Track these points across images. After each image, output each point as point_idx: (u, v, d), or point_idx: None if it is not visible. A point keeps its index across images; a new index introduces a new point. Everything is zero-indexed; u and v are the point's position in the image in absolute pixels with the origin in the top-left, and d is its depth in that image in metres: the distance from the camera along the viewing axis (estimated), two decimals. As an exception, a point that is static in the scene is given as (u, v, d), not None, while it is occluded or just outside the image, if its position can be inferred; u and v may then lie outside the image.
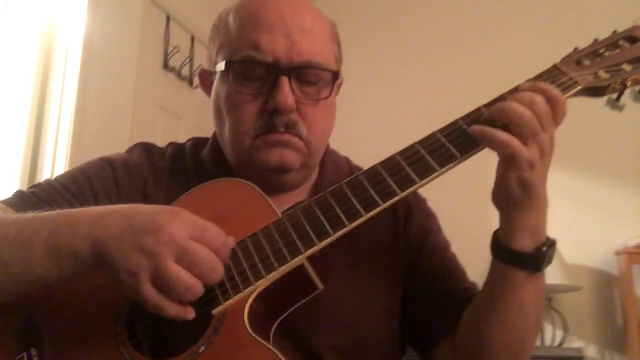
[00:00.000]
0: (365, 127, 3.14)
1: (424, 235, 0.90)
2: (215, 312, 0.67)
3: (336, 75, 0.84)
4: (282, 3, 0.82)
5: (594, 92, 0.74)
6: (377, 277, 0.86)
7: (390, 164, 0.71)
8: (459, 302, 0.83)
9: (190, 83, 2.99)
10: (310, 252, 0.68)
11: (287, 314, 0.72)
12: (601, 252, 2.79)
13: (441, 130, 0.72)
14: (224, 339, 0.66)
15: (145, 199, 0.85)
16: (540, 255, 0.70)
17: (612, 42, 0.78)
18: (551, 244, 0.71)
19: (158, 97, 2.77)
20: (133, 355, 0.68)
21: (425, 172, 0.69)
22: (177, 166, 0.90)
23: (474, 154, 0.70)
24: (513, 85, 0.74)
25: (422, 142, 0.72)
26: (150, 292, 0.60)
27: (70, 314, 0.72)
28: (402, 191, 0.69)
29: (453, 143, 0.70)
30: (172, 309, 0.62)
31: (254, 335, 0.65)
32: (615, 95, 0.75)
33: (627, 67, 0.74)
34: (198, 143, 0.95)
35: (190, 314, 0.63)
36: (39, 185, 0.85)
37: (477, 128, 0.69)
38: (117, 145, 1.19)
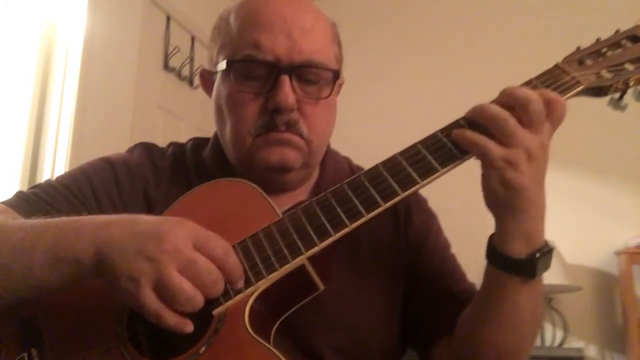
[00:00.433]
0: (365, 127, 3.14)
1: (424, 235, 0.90)
2: (215, 312, 0.66)
3: (336, 74, 0.84)
4: (282, 3, 0.82)
5: (596, 91, 0.74)
6: (377, 277, 0.86)
7: (391, 164, 0.71)
8: (457, 303, 0.83)
9: (191, 83, 2.99)
10: (310, 252, 0.68)
11: (287, 314, 0.71)
12: (601, 252, 2.79)
13: (442, 130, 0.71)
14: (224, 339, 0.66)
15: (146, 199, 0.85)
16: (533, 262, 0.68)
17: (615, 42, 0.77)
18: (546, 251, 0.69)
19: (158, 97, 2.77)
20: (133, 355, 0.68)
21: (427, 172, 0.69)
22: (177, 166, 0.90)
23: (475, 153, 0.69)
24: (515, 84, 0.73)
25: (423, 141, 0.71)
26: (150, 299, 0.60)
27: (71, 314, 0.72)
28: (403, 191, 0.69)
29: (454, 143, 0.69)
30: (171, 318, 0.61)
31: (254, 335, 0.65)
32: (617, 95, 0.75)
33: (630, 67, 0.74)
34: (199, 143, 0.95)
35: (189, 327, 0.62)
36: (39, 186, 0.84)
37: (455, 131, 0.69)
38: (117, 145, 1.19)
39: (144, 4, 2.64)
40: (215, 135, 0.91)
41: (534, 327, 0.77)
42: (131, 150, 0.93)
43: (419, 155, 0.70)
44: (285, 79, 0.78)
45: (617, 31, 0.79)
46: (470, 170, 0.70)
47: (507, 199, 0.67)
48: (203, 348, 0.66)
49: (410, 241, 0.89)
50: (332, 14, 0.89)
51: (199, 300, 0.61)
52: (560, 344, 2.72)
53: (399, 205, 0.86)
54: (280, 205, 0.75)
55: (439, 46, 3.27)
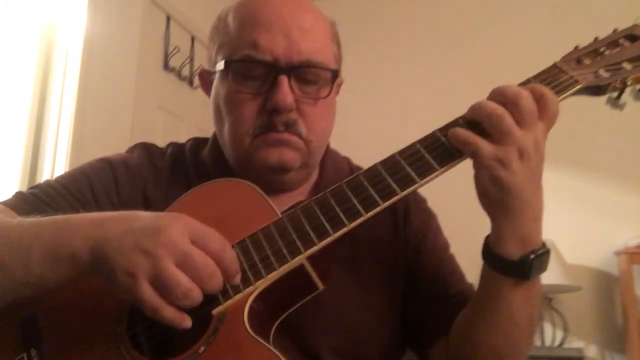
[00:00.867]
0: (365, 127, 3.14)
1: (422, 235, 0.90)
2: (214, 312, 0.67)
3: (335, 74, 0.84)
4: (281, 2, 0.82)
5: (594, 90, 0.74)
6: (376, 277, 0.86)
7: (390, 163, 0.71)
8: (455, 304, 0.83)
9: (190, 83, 2.99)
10: (310, 251, 0.68)
11: (287, 313, 0.71)
12: (601, 252, 2.78)
13: (441, 129, 0.71)
14: (223, 339, 0.66)
15: (145, 199, 0.85)
16: (527, 263, 0.68)
17: (613, 41, 0.77)
18: (542, 252, 0.69)
19: (158, 97, 2.77)
20: (133, 355, 0.68)
21: (425, 171, 0.69)
22: (177, 166, 0.90)
23: (474, 153, 0.69)
24: (513, 83, 0.73)
25: (422, 141, 0.71)
26: (147, 293, 0.60)
27: (70, 314, 0.72)
28: (402, 190, 0.69)
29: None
30: (169, 312, 0.61)
31: (253, 335, 0.65)
32: (615, 94, 0.75)
33: (628, 66, 0.74)
34: (198, 143, 0.95)
35: (187, 322, 0.62)
36: (38, 186, 0.85)
37: (450, 131, 0.69)
38: (117, 145, 1.19)
39: (144, 4, 2.64)
40: (214, 135, 0.91)
41: (531, 330, 0.76)
42: (130, 150, 0.93)
43: (418, 155, 0.70)
44: (284, 79, 0.78)
45: (615, 30, 0.79)
46: (469, 170, 0.70)
47: (500, 198, 0.67)
48: (202, 348, 0.66)
49: (409, 241, 0.89)
50: (332, 13, 0.90)
51: (196, 294, 0.61)
52: (560, 344, 2.72)
53: (398, 205, 0.87)
54: (280, 205, 0.75)
55: (439, 46, 3.27)
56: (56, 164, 2.24)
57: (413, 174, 0.69)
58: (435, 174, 0.69)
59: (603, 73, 0.74)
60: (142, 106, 2.61)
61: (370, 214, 0.68)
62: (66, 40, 2.34)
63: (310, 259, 0.69)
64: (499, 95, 0.67)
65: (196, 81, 2.89)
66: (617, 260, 2.72)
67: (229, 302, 0.67)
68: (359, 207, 0.69)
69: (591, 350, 2.73)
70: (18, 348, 0.70)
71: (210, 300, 0.66)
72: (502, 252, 0.69)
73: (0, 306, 0.67)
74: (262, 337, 0.66)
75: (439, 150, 0.70)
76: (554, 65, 0.75)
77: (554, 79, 0.73)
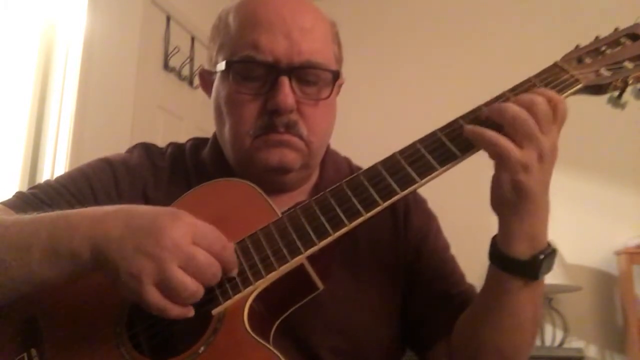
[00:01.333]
0: (365, 127, 3.14)
1: (423, 236, 0.90)
2: (214, 312, 0.66)
3: (336, 75, 0.83)
4: (281, 3, 0.82)
5: (595, 89, 0.74)
6: (376, 277, 0.86)
7: (390, 163, 0.71)
8: (456, 304, 0.83)
9: (190, 83, 2.99)
10: (309, 251, 0.68)
11: (287, 314, 0.71)
12: (601, 252, 2.78)
13: (441, 129, 0.71)
14: (223, 339, 0.66)
15: (145, 199, 0.85)
16: (537, 263, 0.68)
17: (614, 40, 0.77)
18: (550, 252, 0.69)
19: (158, 97, 2.77)
20: (133, 355, 0.68)
21: (426, 171, 0.69)
22: (177, 166, 0.90)
23: (474, 152, 0.69)
24: (514, 83, 0.73)
25: (422, 140, 0.71)
26: (154, 296, 0.60)
27: (70, 314, 0.72)
28: (402, 190, 0.68)
29: (453, 142, 0.69)
30: (175, 311, 0.62)
31: (253, 335, 0.65)
32: (616, 93, 0.75)
33: (629, 65, 0.74)
34: (198, 143, 0.95)
35: (190, 312, 0.63)
36: (38, 186, 0.85)
37: (469, 127, 0.68)
38: (117, 145, 1.19)
39: (144, 4, 2.64)
40: (215, 135, 0.91)
41: (535, 329, 0.77)
42: (130, 150, 0.93)
43: (418, 154, 0.70)
44: (285, 80, 0.78)
45: (616, 29, 0.79)
46: (469, 170, 0.70)
47: (515, 201, 0.67)
48: (202, 348, 0.66)
49: (410, 242, 0.89)
50: (332, 14, 0.89)
51: (201, 293, 0.63)
52: (560, 344, 2.72)
53: (398, 205, 0.87)
54: (280, 205, 0.75)
55: (439, 46, 3.27)
56: (56, 164, 2.24)
57: (413, 174, 0.69)
58: (436, 173, 0.69)
59: (604, 72, 0.74)
60: (142, 106, 2.61)
61: (370, 213, 0.68)
62: (66, 40, 2.34)
63: (310, 259, 0.69)
64: (514, 101, 0.67)
65: (196, 81, 2.89)
66: (617, 260, 2.72)
67: (229, 302, 0.67)
68: (359, 207, 0.69)
69: (591, 350, 2.73)
70: (18, 348, 0.70)
71: (210, 300, 0.66)
72: (512, 252, 0.69)
73: (1, 305, 0.67)
74: (262, 337, 0.66)
75: (439, 150, 0.69)
76: (555, 65, 0.75)
77: (555, 78, 0.73)
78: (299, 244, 0.68)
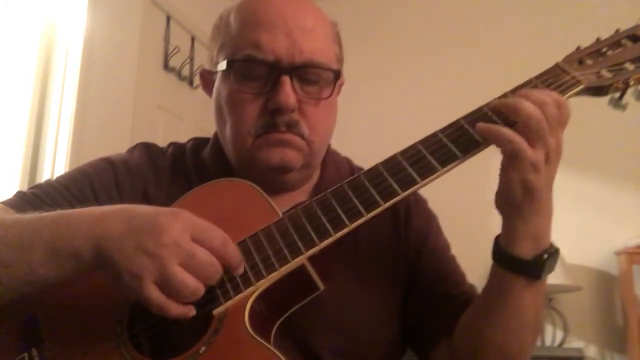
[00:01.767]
0: (365, 127, 3.14)
1: (423, 236, 0.90)
2: (215, 312, 0.67)
3: (337, 75, 0.83)
4: (283, 2, 0.82)
5: (596, 91, 0.74)
6: (377, 278, 0.86)
7: (391, 164, 0.71)
8: (457, 305, 0.83)
9: (191, 83, 2.99)
10: (310, 252, 0.68)
11: (287, 314, 0.71)
12: (601, 252, 2.78)
13: (442, 130, 0.71)
14: (224, 339, 0.66)
15: (146, 199, 0.85)
16: (541, 263, 0.69)
17: (615, 41, 0.77)
18: (553, 252, 0.70)
19: (158, 97, 2.77)
20: (133, 355, 0.68)
21: (427, 171, 0.69)
22: (177, 166, 0.90)
23: (475, 153, 0.69)
24: (515, 84, 0.73)
25: (423, 141, 0.71)
26: (154, 294, 0.60)
27: (71, 314, 0.72)
28: (403, 191, 0.69)
29: (454, 142, 0.69)
30: (176, 310, 0.62)
31: (254, 335, 0.65)
32: (617, 94, 0.75)
33: (630, 66, 0.74)
34: (199, 143, 0.95)
35: (192, 311, 0.63)
36: (39, 186, 0.85)
37: (482, 125, 0.68)
38: (117, 145, 1.19)
39: (144, 4, 2.64)
40: (215, 135, 0.91)
41: (537, 328, 0.77)
42: (131, 150, 0.93)
43: (419, 155, 0.70)
44: (286, 79, 0.78)
45: (617, 31, 0.79)
46: (470, 171, 0.70)
47: (521, 200, 0.67)
48: (203, 348, 0.66)
49: (410, 242, 0.89)
50: (333, 13, 0.89)
51: (202, 291, 0.63)
52: (560, 344, 2.72)
53: (399, 205, 0.87)
54: (281, 205, 0.75)
55: (440, 46, 3.27)
56: (56, 164, 2.24)
57: (414, 175, 0.69)
58: (437, 174, 0.69)
59: (605, 73, 0.74)
60: (142, 106, 2.60)
61: (371, 214, 0.68)
62: (66, 40, 2.33)
63: (311, 259, 0.69)
64: (528, 98, 0.67)
65: (196, 81, 2.89)
66: (617, 260, 2.72)
67: (230, 302, 0.67)
68: (360, 207, 0.69)
69: (591, 350, 2.74)
70: (19, 348, 0.70)
71: (211, 300, 0.66)
72: (516, 252, 0.69)
73: (1, 304, 0.67)
74: (263, 337, 0.66)
75: (440, 151, 0.70)
76: (556, 66, 0.75)
77: (556, 79, 0.73)
78: (300, 244, 0.68)
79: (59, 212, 0.68)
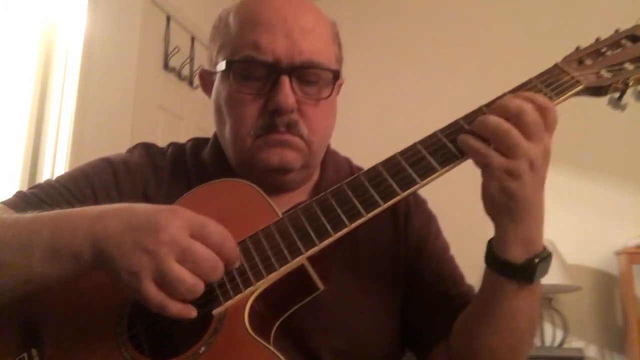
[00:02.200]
0: (365, 127, 3.14)
1: (423, 237, 0.90)
2: (215, 312, 0.67)
3: (337, 75, 0.83)
4: (282, 3, 0.82)
5: (596, 91, 0.74)
6: (377, 278, 0.86)
7: (391, 164, 0.71)
8: (456, 305, 0.83)
9: (190, 83, 2.99)
10: (310, 252, 0.68)
11: (287, 314, 0.71)
12: (601, 252, 2.78)
13: (442, 130, 0.71)
14: (224, 339, 0.66)
15: (146, 199, 0.85)
16: (532, 267, 0.69)
17: (614, 41, 0.77)
18: (545, 256, 0.70)
19: (158, 97, 2.77)
20: (133, 355, 0.68)
21: (426, 172, 0.69)
22: (177, 166, 0.90)
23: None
24: (514, 84, 0.73)
25: (423, 141, 0.71)
26: (152, 292, 0.60)
27: (71, 314, 0.72)
28: (403, 191, 0.69)
29: (454, 143, 0.69)
30: (175, 308, 0.62)
31: (254, 335, 0.65)
32: (617, 95, 0.75)
33: (629, 66, 0.74)
34: (198, 143, 0.95)
35: (193, 312, 0.63)
36: (39, 186, 0.85)
37: (460, 137, 0.69)
38: (117, 145, 1.19)
39: (144, 4, 2.64)
40: (215, 135, 0.91)
41: (531, 332, 0.77)
42: (131, 150, 0.93)
43: (419, 155, 0.70)
44: (285, 79, 0.78)
45: (616, 31, 0.79)
46: (470, 171, 0.70)
47: (507, 207, 0.67)
48: (203, 348, 0.66)
49: (410, 243, 0.89)
50: (332, 13, 0.89)
51: (200, 288, 0.62)
52: (560, 344, 2.72)
53: (398, 206, 0.87)
54: (280, 205, 0.75)
55: (439, 46, 3.27)
56: (56, 164, 2.24)
57: (414, 175, 0.69)
58: (436, 174, 0.69)
59: (605, 74, 0.74)
60: (142, 106, 2.60)
61: (371, 214, 0.68)
62: (66, 40, 2.33)
63: (311, 259, 0.69)
64: (502, 110, 0.67)
65: (196, 81, 2.89)
66: (617, 260, 2.72)
67: (230, 302, 0.67)
68: (359, 207, 0.69)
69: (591, 350, 2.73)
70: (19, 348, 0.70)
71: (211, 300, 0.67)
72: (507, 256, 0.69)
73: (1, 304, 0.67)
74: (263, 337, 0.66)
75: (440, 151, 0.70)
76: (556, 66, 0.75)
77: (555, 79, 0.73)
78: (299, 244, 0.68)
79: (58, 211, 0.68)
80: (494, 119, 0.66)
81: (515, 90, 0.72)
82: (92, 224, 0.64)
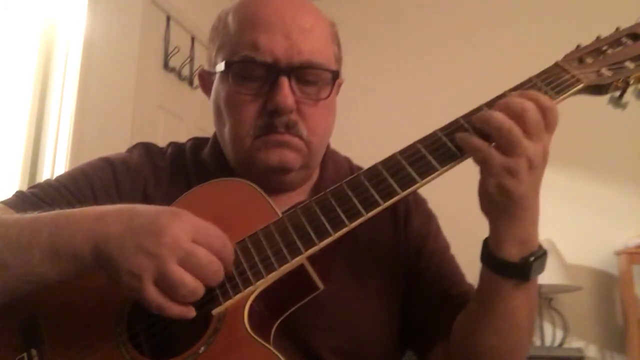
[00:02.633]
0: (365, 127, 3.14)
1: (423, 237, 0.90)
2: (215, 312, 0.66)
3: (336, 75, 0.83)
4: (281, 3, 0.82)
5: (596, 90, 0.74)
6: (377, 277, 0.86)
7: (391, 163, 0.71)
8: (456, 305, 0.83)
9: (190, 83, 2.99)
10: (310, 251, 0.68)
11: (287, 314, 0.71)
12: (601, 252, 2.79)
13: (442, 129, 0.71)
14: (223, 339, 0.66)
15: (146, 199, 0.85)
16: (527, 265, 0.69)
17: (615, 40, 0.77)
18: (540, 254, 0.70)
19: (158, 97, 2.77)
20: (133, 355, 0.68)
21: (426, 171, 0.69)
22: (177, 166, 0.90)
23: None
24: (515, 83, 0.73)
25: (423, 141, 0.71)
26: (153, 294, 0.60)
27: (71, 314, 0.72)
28: (403, 190, 0.68)
29: (454, 142, 0.69)
30: (175, 309, 0.62)
31: (253, 335, 0.65)
32: (617, 93, 0.74)
33: (630, 65, 0.74)
34: (198, 143, 0.94)
35: (192, 312, 0.63)
36: (39, 186, 0.85)
37: (459, 135, 0.69)
38: (117, 145, 1.19)
39: (144, 4, 2.64)
40: (215, 135, 0.91)
41: (531, 329, 0.77)
42: (131, 150, 0.93)
43: (419, 155, 0.70)
44: (284, 80, 0.78)
45: (617, 29, 0.79)
46: (470, 171, 0.70)
47: (504, 205, 0.67)
48: (202, 348, 0.66)
49: (410, 242, 0.89)
50: (332, 13, 0.89)
51: (201, 291, 0.63)
52: (560, 344, 2.72)
53: (398, 205, 0.87)
54: (280, 205, 0.75)
55: (439, 45, 3.27)
56: (56, 164, 2.24)
57: (414, 174, 0.69)
58: (436, 174, 0.69)
59: (605, 72, 0.73)
60: (142, 106, 2.60)
61: (370, 214, 0.68)
62: (66, 40, 2.34)
63: (311, 259, 0.69)
64: (504, 108, 0.67)
65: (196, 81, 2.88)
66: (617, 260, 2.73)
67: (229, 302, 0.67)
68: (359, 207, 0.69)
69: (591, 350, 2.74)
70: (18, 348, 0.70)
71: (211, 300, 0.66)
72: (502, 254, 0.69)
73: (1, 304, 0.67)
74: (262, 337, 0.66)
75: (440, 150, 0.69)
76: (556, 64, 0.75)
77: (556, 78, 0.73)
78: (299, 244, 0.68)
79: (58, 211, 0.68)
80: (498, 115, 0.66)
81: (515, 89, 0.72)
82: (93, 224, 0.64)
